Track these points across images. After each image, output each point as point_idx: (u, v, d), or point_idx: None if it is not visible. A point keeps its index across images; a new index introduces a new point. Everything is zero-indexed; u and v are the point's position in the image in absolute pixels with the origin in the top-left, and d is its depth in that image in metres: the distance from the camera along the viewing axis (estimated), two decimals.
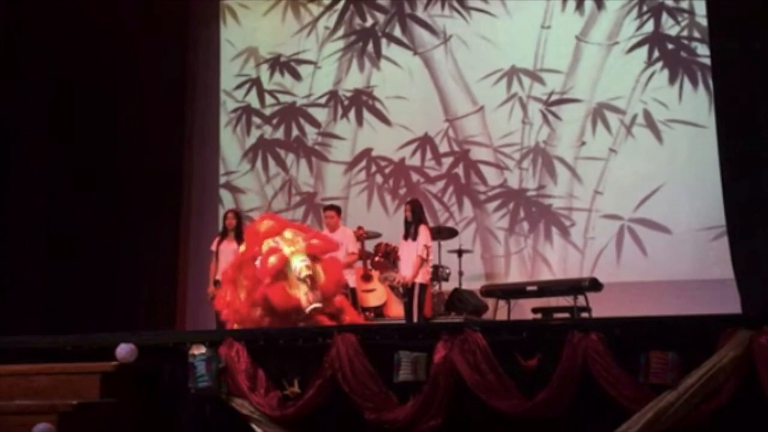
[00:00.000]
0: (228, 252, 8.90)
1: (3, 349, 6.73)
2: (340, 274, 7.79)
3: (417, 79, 10.96)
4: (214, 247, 9.32)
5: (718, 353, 5.48)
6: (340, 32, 11.33)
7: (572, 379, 5.65)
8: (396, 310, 9.43)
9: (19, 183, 9.56)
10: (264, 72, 11.52)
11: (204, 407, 6.34)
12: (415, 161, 10.86)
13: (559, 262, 10.19)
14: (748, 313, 7.76)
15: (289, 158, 11.30)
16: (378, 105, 11.05)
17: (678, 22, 10.13)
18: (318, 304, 7.21)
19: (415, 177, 10.84)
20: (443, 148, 10.79)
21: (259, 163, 11.33)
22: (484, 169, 10.62)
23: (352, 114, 11.15)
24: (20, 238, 9.50)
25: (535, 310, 9.20)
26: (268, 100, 11.48)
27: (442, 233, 9.85)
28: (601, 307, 8.74)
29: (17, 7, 9.50)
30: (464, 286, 9.68)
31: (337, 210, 9.53)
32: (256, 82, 11.53)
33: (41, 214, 9.72)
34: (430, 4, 11.00)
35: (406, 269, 8.68)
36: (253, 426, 6.19)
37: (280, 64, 11.46)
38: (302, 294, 7.23)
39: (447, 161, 10.77)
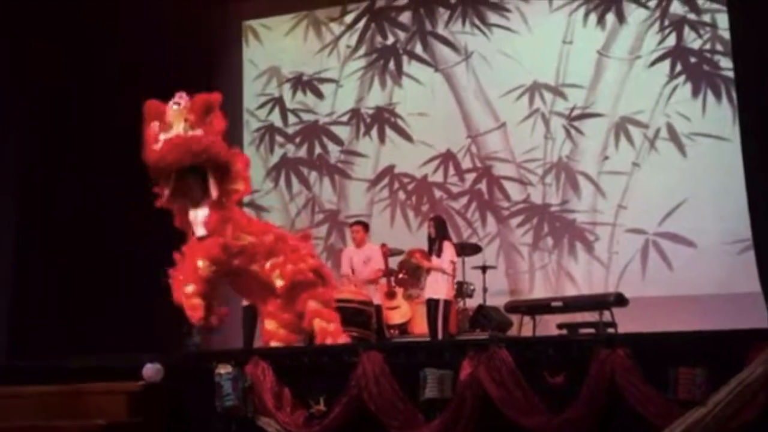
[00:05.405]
0: None
1: (31, 370, 6.78)
2: None
3: (439, 95, 10.98)
4: None
5: (746, 368, 5.43)
6: (362, 50, 11.38)
7: (600, 396, 5.62)
8: (420, 327, 9.39)
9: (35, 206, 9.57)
10: (286, 91, 11.58)
11: (230, 426, 6.35)
12: (438, 177, 10.86)
13: (583, 277, 10.14)
14: None
15: (312, 176, 11.35)
16: (400, 122, 11.08)
17: (700, 36, 10.08)
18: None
19: (437, 193, 10.84)
20: (466, 164, 10.79)
21: (282, 182, 11.38)
22: (507, 184, 10.61)
23: (374, 131, 11.18)
24: (40, 261, 9.53)
25: (560, 326, 9.15)
26: (291, 118, 11.53)
27: (465, 249, 9.82)
28: (626, 322, 8.67)
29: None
30: (489, 303, 9.64)
31: (365, 225, 9.56)
32: (278, 101, 11.59)
33: (61, 235, 9.74)
34: (451, 21, 11.02)
35: (432, 286, 8.66)
36: None
37: (302, 83, 11.52)
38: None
39: (470, 177, 10.77)
